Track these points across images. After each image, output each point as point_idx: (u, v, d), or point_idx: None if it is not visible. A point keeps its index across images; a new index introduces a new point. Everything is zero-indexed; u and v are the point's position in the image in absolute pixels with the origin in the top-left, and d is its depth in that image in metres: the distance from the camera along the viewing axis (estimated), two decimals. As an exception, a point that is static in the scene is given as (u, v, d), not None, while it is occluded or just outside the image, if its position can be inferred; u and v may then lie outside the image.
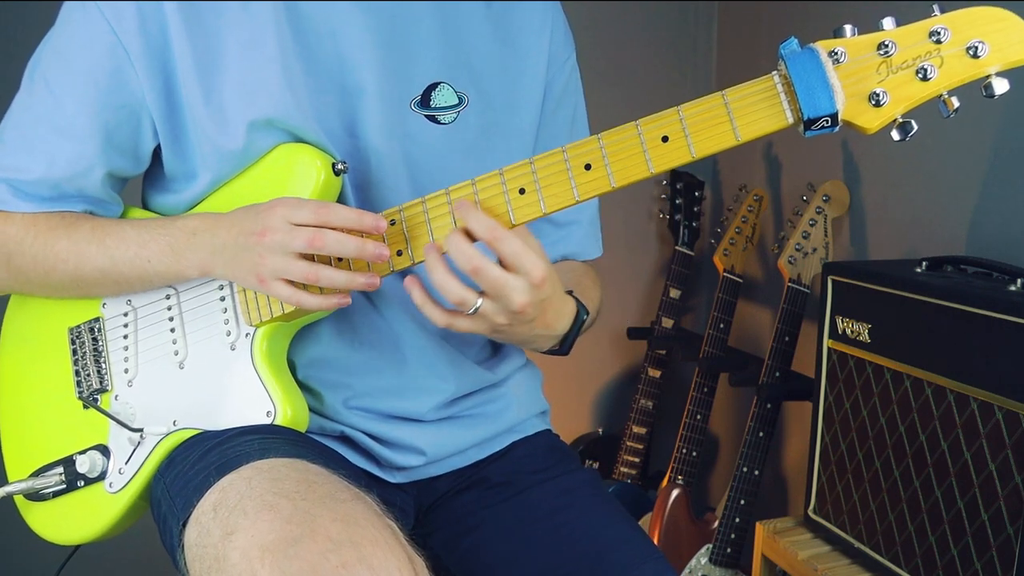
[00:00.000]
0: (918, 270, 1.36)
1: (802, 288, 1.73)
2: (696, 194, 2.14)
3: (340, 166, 0.90)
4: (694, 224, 2.13)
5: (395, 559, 0.71)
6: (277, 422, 0.91)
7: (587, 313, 0.96)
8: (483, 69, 0.99)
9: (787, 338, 1.74)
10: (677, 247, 2.11)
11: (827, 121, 0.75)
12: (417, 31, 0.95)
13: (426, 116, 0.96)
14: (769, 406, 1.76)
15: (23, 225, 0.95)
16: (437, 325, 0.84)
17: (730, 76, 2.32)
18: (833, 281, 1.46)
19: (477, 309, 0.82)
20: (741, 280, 1.97)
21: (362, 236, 0.85)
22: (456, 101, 0.97)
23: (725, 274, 1.95)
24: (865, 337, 1.39)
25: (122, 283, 0.95)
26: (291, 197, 0.87)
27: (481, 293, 0.82)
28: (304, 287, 0.86)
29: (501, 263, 0.81)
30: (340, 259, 0.87)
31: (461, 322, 0.84)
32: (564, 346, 0.97)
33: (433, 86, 0.96)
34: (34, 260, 0.94)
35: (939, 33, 0.72)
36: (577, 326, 0.95)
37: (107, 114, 0.91)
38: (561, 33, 1.07)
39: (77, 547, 1.05)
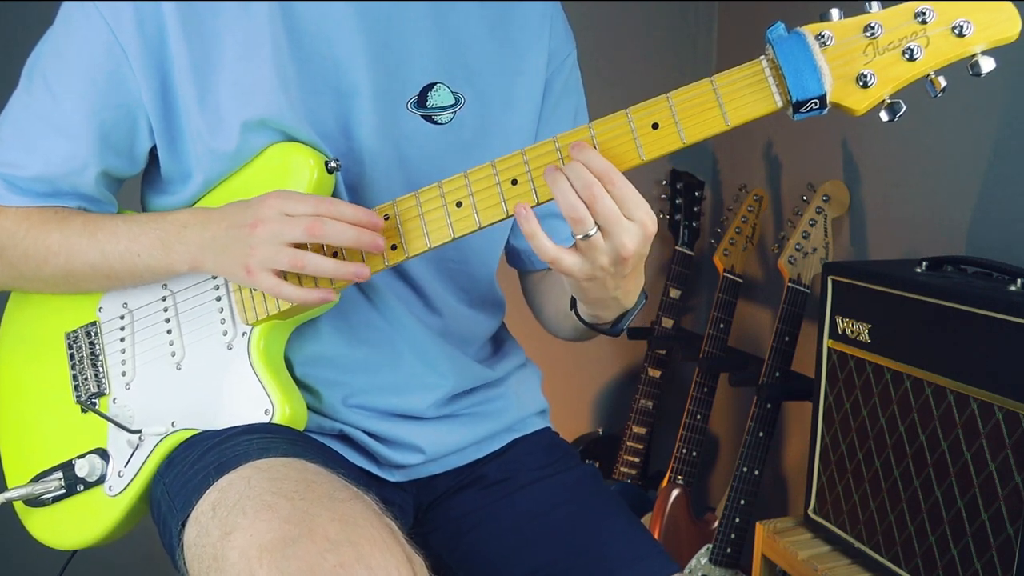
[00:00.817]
0: (918, 270, 1.36)
1: (802, 288, 1.73)
2: (696, 194, 2.14)
3: (333, 164, 0.90)
4: (694, 224, 2.13)
5: (393, 559, 0.71)
6: (275, 420, 0.91)
7: (646, 297, 0.97)
8: (480, 68, 0.99)
9: (787, 338, 1.74)
10: (677, 247, 2.11)
11: (816, 103, 0.75)
12: (412, 32, 0.95)
13: (422, 116, 0.96)
14: (769, 406, 1.76)
15: (16, 219, 0.95)
16: (543, 257, 0.81)
17: (730, 76, 2.31)
18: (833, 281, 1.46)
19: (589, 237, 0.79)
20: (741, 280, 1.97)
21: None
22: (452, 101, 0.97)
23: (725, 274, 1.95)
24: (865, 337, 1.39)
25: (112, 278, 0.95)
26: (285, 190, 0.86)
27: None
28: (297, 279, 0.86)
29: None
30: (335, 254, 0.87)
31: (568, 258, 0.81)
32: (619, 325, 0.97)
33: (429, 86, 0.96)
34: (25, 253, 0.95)
35: (924, 14, 0.73)
36: (637, 307, 0.96)
37: (104, 113, 0.91)
38: (561, 31, 1.07)
39: (73, 554, 1.04)
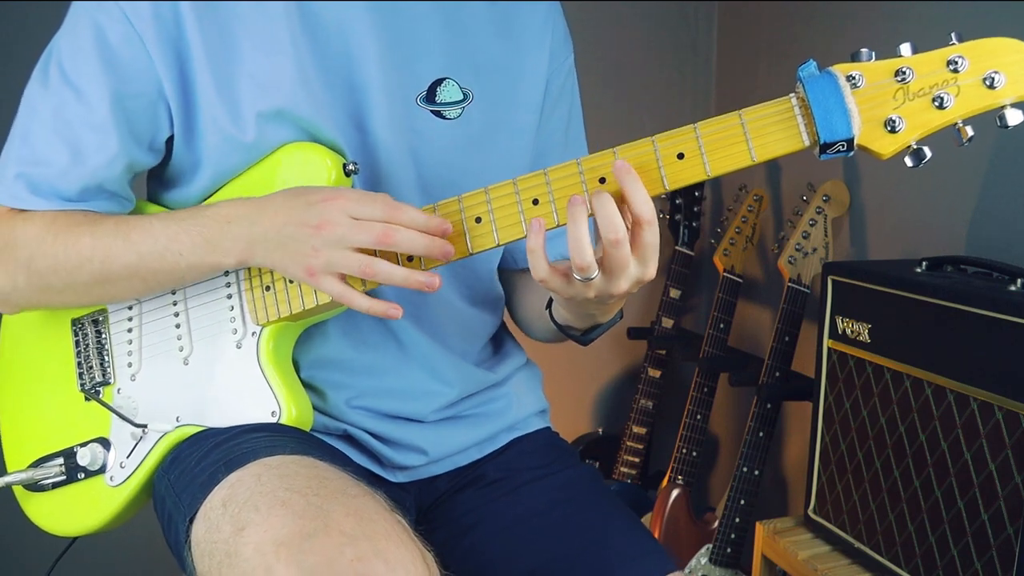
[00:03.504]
0: (918, 270, 1.36)
1: (802, 288, 1.73)
2: (696, 194, 2.14)
3: (351, 167, 0.90)
4: (694, 224, 2.13)
5: (408, 552, 0.71)
6: (282, 422, 0.91)
7: (621, 316, 0.97)
8: (487, 65, 0.99)
9: (787, 338, 1.75)
10: (677, 247, 2.12)
11: (843, 145, 0.75)
12: (421, 27, 0.95)
13: (432, 111, 0.96)
14: (769, 406, 1.76)
15: (43, 224, 0.92)
16: (536, 275, 0.81)
17: (730, 77, 2.32)
18: (833, 281, 1.47)
19: (591, 280, 0.79)
20: (741, 280, 1.97)
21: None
22: (461, 97, 0.97)
23: (725, 274, 1.96)
24: (865, 337, 1.39)
25: (150, 280, 0.91)
26: (351, 189, 0.85)
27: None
28: (362, 284, 0.85)
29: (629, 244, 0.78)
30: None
31: (556, 282, 0.81)
32: (590, 335, 0.98)
33: (438, 82, 0.96)
34: (56, 260, 0.91)
35: (956, 62, 0.72)
36: (610, 323, 0.96)
37: (128, 102, 0.90)
38: (561, 33, 1.07)
39: (73, 541, 1.05)
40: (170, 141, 0.95)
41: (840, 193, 1.75)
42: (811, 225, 1.74)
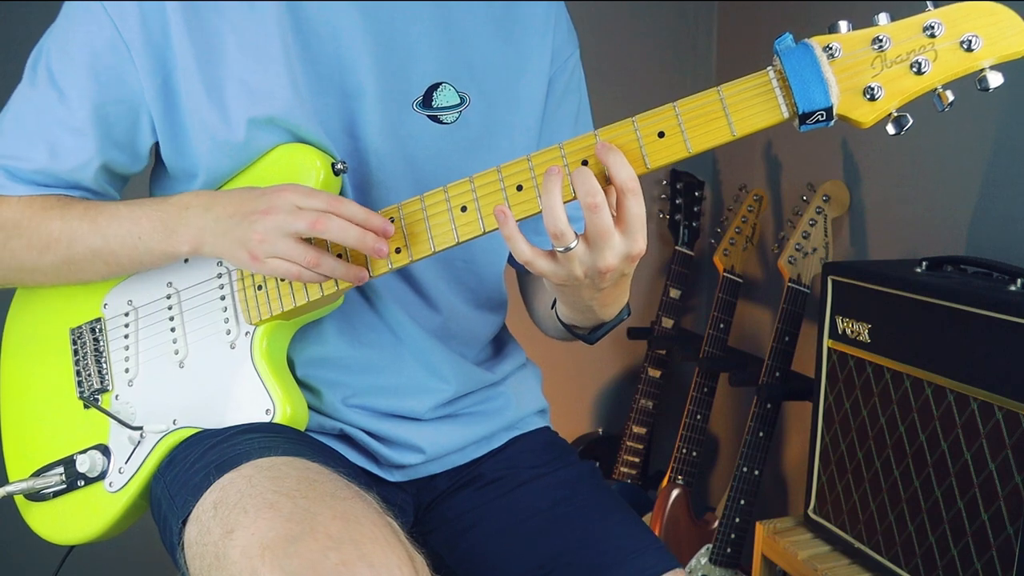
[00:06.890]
0: (918, 270, 1.36)
1: (802, 288, 1.73)
2: (696, 194, 2.14)
3: (340, 166, 0.91)
4: (694, 224, 2.13)
5: (395, 557, 0.71)
6: (276, 420, 0.91)
7: (628, 313, 0.97)
8: (484, 68, 0.99)
9: (787, 338, 1.74)
10: (677, 247, 2.12)
11: (822, 115, 0.75)
12: (416, 32, 0.95)
13: (428, 116, 0.96)
14: (769, 406, 1.76)
15: (19, 207, 0.95)
16: (519, 258, 0.81)
17: (730, 76, 2.31)
18: (833, 281, 1.46)
19: (570, 249, 0.79)
20: (741, 280, 1.97)
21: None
22: (458, 101, 0.97)
23: (725, 274, 1.96)
24: (865, 337, 1.39)
25: (113, 263, 0.94)
26: (302, 184, 0.87)
27: (578, 236, 0.79)
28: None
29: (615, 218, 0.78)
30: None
31: (542, 263, 0.81)
32: (595, 334, 0.98)
33: (435, 86, 0.96)
34: (28, 240, 0.95)
35: (933, 27, 0.73)
36: (616, 321, 0.96)
37: (107, 108, 0.92)
38: (564, 30, 1.07)
39: (71, 549, 1.05)
40: (157, 147, 0.96)
41: (840, 193, 1.74)
42: (811, 225, 1.74)
